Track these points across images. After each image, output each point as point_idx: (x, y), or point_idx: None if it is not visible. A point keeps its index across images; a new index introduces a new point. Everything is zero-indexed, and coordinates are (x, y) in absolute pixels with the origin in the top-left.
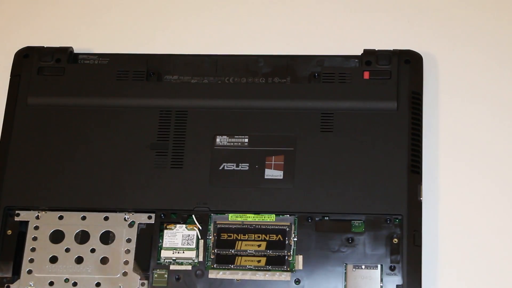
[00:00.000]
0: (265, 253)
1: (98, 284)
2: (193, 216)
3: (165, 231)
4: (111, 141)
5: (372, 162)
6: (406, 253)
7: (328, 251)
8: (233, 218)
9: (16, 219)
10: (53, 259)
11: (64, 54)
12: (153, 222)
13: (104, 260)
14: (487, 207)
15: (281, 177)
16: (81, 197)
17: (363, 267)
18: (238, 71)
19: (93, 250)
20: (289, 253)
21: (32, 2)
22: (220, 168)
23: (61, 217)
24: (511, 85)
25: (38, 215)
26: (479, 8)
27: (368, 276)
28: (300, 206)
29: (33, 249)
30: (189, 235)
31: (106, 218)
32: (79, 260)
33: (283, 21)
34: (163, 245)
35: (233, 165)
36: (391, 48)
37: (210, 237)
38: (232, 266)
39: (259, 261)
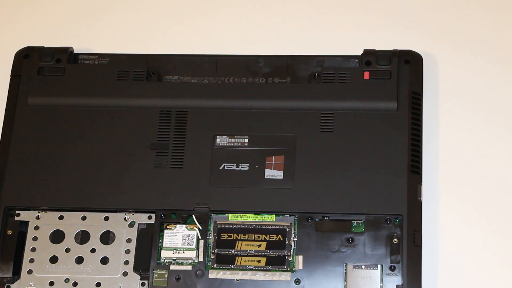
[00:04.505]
0: (265, 253)
1: (98, 284)
2: (193, 216)
3: (165, 231)
4: (111, 141)
5: (372, 162)
6: (406, 253)
7: (328, 251)
8: (233, 218)
9: (16, 219)
10: (53, 259)
11: (64, 54)
12: (153, 222)
13: (104, 260)
14: (487, 207)
15: (281, 177)
16: (81, 197)
17: (363, 267)
18: (238, 71)
19: (93, 250)
20: (289, 253)
21: (32, 2)
22: (220, 168)
23: (61, 217)
24: (510, 86)
25: (38, 215)
26: (479, 8)
27: (368, 276)
28: (300, 206)
29: (33, 249)
30: (189, 235)
31: (106, 218)
32: (79, 260)
33: (283, 21)
34: (163, 245)
35: (233, 165)
36: (391, 48)
37: (210, 237)
38: (232, 266)
39: (259, 261)
